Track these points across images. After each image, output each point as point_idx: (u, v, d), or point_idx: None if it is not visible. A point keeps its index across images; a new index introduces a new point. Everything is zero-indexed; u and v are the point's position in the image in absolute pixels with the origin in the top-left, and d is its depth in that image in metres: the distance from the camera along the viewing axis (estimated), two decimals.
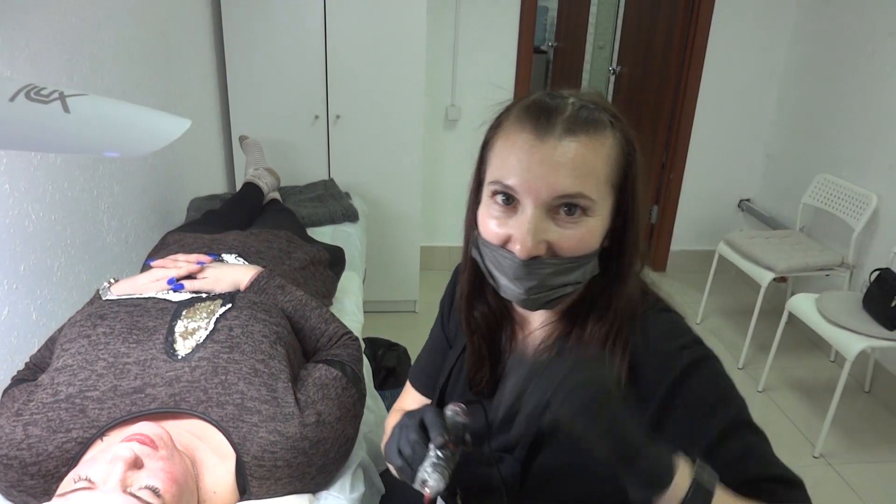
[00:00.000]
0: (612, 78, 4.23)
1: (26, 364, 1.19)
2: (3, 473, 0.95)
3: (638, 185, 0.80)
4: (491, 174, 0.79)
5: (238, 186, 2.29)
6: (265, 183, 2.25)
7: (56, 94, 0.57)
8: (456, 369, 0.98)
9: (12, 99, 0.56)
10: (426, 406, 0.86)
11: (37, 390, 1.00)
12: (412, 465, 0.79)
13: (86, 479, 0.82)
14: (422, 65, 2.86)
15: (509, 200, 0.76)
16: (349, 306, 1.71)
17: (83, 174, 1.67)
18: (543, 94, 0.80)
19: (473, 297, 0.92)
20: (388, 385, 2.60)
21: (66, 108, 0.57)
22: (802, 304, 2.55)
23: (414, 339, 2.80)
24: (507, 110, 0.81)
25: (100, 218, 1.78)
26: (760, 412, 2.66)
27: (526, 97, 0.80)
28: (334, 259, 1.75)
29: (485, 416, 0.88)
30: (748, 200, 3.82)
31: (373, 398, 1.38)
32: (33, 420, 0.96)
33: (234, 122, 2.90)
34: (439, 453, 0.78)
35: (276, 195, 2.31)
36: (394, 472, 0.86)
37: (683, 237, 3.91)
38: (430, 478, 0.77)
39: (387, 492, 1.27)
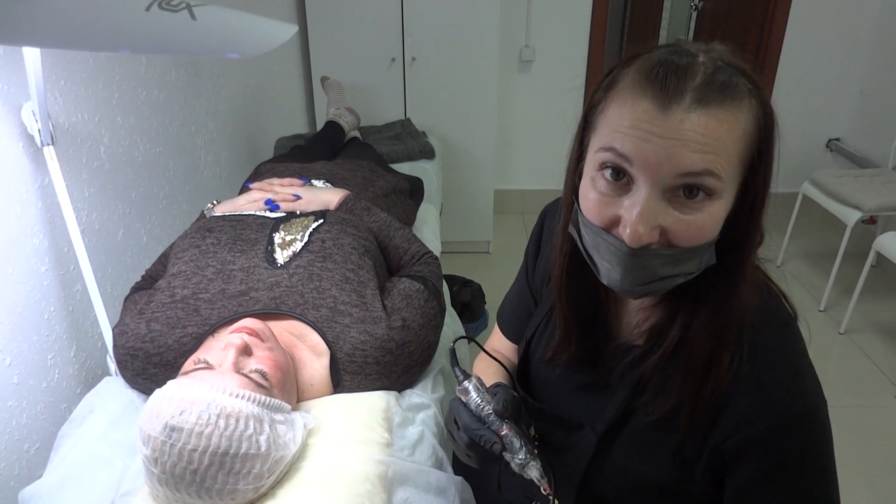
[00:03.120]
0: (694, 14, 4.06)
1: (143, 276, 1.32)
2: (130, 363, 1.08)
3: (773, 165, 0.68)
4: (599, 139, 0.67)
5: (318, 128, 2.39)
6: (346, 122, 2.33)
7: (183, 4, 0.65)
8: (541, 328, 0.95)
9: (147, 9, 0.64)
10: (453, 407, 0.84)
11: (156, 293, 1.13)
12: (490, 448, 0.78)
13: (204, 362, 0.94)
14: (497, 5, 2.86)
15: (620, 176, 0.66)
16: (428, 235, 1.79)
17: (182, 111, 1.79)
18: (668, 49, 0.66)
19: (571, 277, 0.82)
20: (464, 319, 2.70)
21: (192, 16, 0.65)
22: (892, 244, 2.45)
23: (488, 278, 2.89)
24: (623, 67, 0.68)
25: (198, 153, 1.91)
26: (841, 354, 2.61)
27: (647, 51, 0.67)
28: (414, 188, 1.82)
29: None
30: (837, 140, 3.65)
31: (451, 315, 1.46)
32: (154, 317, 1.09)
33: (314, 65, 3.00)
34: (510, 437, 0.78)
35: (357, 134, 2.39)
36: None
37: None
38: (529, 464, 0.77)
39: None
